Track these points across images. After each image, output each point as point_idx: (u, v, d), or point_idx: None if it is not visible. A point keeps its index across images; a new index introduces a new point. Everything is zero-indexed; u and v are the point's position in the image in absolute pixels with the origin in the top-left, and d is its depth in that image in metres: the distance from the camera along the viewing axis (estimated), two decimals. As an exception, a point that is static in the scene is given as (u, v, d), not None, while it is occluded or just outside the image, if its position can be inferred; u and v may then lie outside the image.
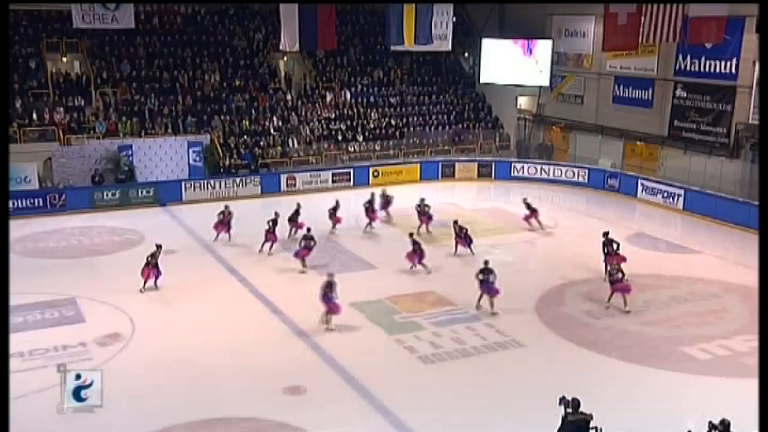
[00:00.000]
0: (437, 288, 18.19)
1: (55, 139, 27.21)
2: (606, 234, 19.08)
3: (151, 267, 17.91)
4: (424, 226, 22.91)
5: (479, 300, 16.70)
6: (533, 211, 23.54)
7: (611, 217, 25.78)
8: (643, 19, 23.77)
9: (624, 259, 18.33)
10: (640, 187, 28.10)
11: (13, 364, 13.87)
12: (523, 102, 35.12)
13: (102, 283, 18.55)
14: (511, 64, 32.40)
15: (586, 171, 30.13)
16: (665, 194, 27.04)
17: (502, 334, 15.59)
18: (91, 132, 27.89)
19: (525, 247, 22.13)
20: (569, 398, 10.16)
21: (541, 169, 31.05)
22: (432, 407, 12.75)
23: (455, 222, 21.37)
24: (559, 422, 10.17)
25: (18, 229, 23.23)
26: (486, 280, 16.55)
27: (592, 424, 10.12)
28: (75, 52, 30.18)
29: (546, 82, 32.48)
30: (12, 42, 27.90)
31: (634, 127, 29.96)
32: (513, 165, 31.46)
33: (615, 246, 18.71)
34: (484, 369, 14.26)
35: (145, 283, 17.87)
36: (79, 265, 20.12)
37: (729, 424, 9.68)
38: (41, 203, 25.19)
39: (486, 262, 16.77)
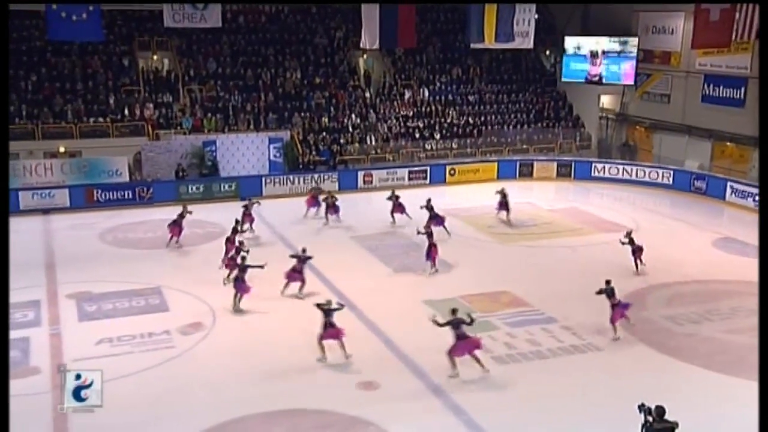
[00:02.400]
0: (512, 288, 17.98)
1: (145, 134, 28.34)
2: (629, 233, 19.32)
3: (176, 225, 20.93)
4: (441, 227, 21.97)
5: (615, 330, 15.24)
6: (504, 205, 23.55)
7: (696, 220, 24.88)
8: (736, 15, 22.80)
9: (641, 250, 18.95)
10: (729, 190, 26.97)
11: (102, 348, 14.66)
12: (605, 101, 34.24)
13: (185, 273, 19.23)
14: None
15: (671, 172, 29.15)
16: (757, 198, 25.83)
17: (578, 337, 15.31)
18: (178, 128, 28.96)
19: (603, 249, 21.55)
20: (649, 406, 9.88)
21: (624, 169, 30.25)
22: (504, 408, 12.67)
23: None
24: (640, 430, 9.90)
25: (109, 220, 24.43)
26: (619, 302, 15.21)
27: (676, 434, 9.82)
28: (165, 50, 31.36)
29: (630, 81, 31.60)
30: (107, 41, 29.23)
31: (724, 128, 28.75)
32: (594, 165, 30.77)
33: (636, 244, 19.07)
34: (559, 372, 14.03)
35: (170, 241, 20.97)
36: (164, 256, 20.91)
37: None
38: (130, 195, 26.31)
39: (608, 282, 15.40)
